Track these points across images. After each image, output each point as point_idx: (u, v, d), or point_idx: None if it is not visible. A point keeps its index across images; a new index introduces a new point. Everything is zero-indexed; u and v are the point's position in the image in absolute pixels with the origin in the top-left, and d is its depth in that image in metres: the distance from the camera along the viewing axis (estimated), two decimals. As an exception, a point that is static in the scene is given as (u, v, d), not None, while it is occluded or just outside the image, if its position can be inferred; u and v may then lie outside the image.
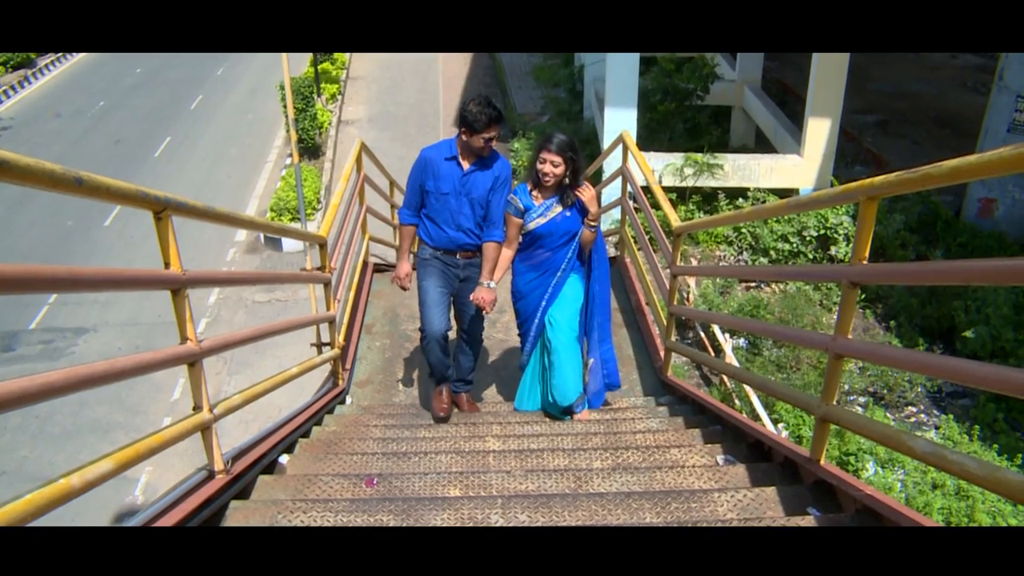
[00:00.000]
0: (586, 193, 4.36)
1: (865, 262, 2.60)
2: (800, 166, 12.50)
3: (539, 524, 2.79)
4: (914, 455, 2.24)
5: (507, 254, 4.57)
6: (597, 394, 4.79)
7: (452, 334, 4.72)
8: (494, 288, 4.49)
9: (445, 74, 24.71)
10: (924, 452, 2.19)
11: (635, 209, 6.67)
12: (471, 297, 4.50)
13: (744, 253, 12.27)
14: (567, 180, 4.34)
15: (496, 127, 4.25)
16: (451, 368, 4.81)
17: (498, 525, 2.78)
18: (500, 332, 6.35)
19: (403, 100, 22.99)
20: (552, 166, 4.26)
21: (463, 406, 4.95)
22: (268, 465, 3.36)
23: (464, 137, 4.29)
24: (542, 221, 4.42)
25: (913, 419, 9.36)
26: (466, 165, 4.39)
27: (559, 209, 4.40)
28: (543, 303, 4.57)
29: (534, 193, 4.44)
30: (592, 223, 4.45)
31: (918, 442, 2.24)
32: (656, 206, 5.67)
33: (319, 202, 17.13)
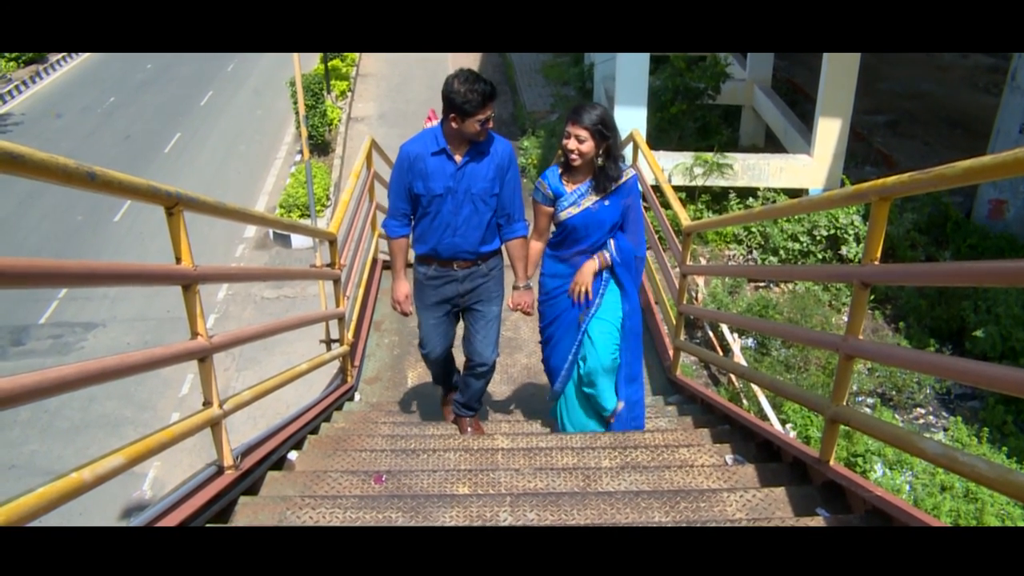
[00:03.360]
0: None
1: (877, 263, 2.59)
2: (810, 166, 12.47)
3: (548, 522, 2.79)
4: (925, 457, 2.23)
5: (537, 247, 4.00)
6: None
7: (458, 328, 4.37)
8: (531, 288, 4.02)
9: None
10: (935, 454, 2.18)
11: (644, 208, 6.66)
12: (511, 306, 4.04)
13: (754, 252, 12.25)
14: (599, 162, 3.68)
15: (491, 104, 3.54)
16: (455, 375, 4.43)
17: (507, 523, 2.78)
18: (508, 331, 6.35)
19: (413, 97, 22.99)
20: (577, 141, 3.61)
21: (464, 429, 4.28)
22: (277, 461, 3.37)
23: (454, 125, 3.55)
24: (574, 211, 3.77)
25: (921, 421, 9.33)
26: (459, 157, 3.66)
27: (594, 198, 3.75)
28: (578, 312, 3.95)
29: (564, 178, 3.80)
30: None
31: (929, 444, 2.23)
32: (666, 205, 5.67)
33: (328, 199, 17.16)
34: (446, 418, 4.49)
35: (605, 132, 3.61)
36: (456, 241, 3.79)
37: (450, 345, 4.19)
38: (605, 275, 3.90)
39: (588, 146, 3.62)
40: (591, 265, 3.82)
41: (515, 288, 4.00)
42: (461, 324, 4.26)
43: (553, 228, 3.97)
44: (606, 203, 3.76)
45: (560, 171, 3.81)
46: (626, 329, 3.95)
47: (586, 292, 3.86)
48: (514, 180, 3.82)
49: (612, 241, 3.84)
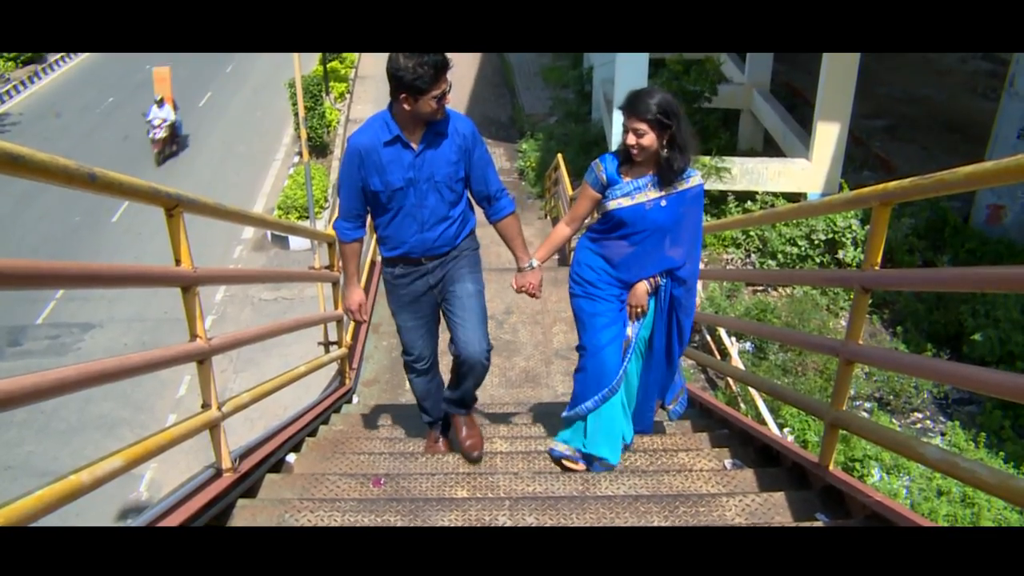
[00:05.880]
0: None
1: (878, 267, 2.59)
2: (808, 170, 12.47)
3: (547, 526, 2.79)
4: (925, 462, 2.23)
5: (562, 232, 3.62)
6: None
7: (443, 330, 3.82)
8: (537, 268, 3.57)
9: (453, 73, 24.59)
10: (935, 459, 2.18)
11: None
12: (516, 287, 3.61)
13: (752, 256, 12.25)
14: (663, 153, 3.30)
15: (445, 76, 3.14)
16: (444, 404, 3.86)
17: (506, 527, 2.77)
18: (507, 333, 6.34)
19: (411, 100, 22.95)
20: (636, 136, 3.24)
21: (460, 430, 3.77)
22: (275, 464, 3.37)
23: (407, 107, 3.14)
24: (625, 203, 3.38)
25: (919, 425, 9.32)
26: (415, 142, 3.24)
27: (653, 195, 3.37)
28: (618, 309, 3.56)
29: (623, 169, 3.41)
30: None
31: (929, 449, 2.23)
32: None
33: (326, 200, 17.15)
34: (428, 448, 3.87)
35: (665, 120, 3.23)
36: (426, 236, 3.38)
37: (435, 348, 3.73)
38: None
39: (649, 139, 3.25)
40: (644, 286, 3.52)
41: (519, 270, 3.60)
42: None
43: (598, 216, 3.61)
44: (663, 203, 3.38)
45: (620, 160, 3.43)
46: (656, 348, 3.71)
47: (642, 310, 3.59)
48: (484, 158, 3.43)
49: (668, 280, 3.54)
